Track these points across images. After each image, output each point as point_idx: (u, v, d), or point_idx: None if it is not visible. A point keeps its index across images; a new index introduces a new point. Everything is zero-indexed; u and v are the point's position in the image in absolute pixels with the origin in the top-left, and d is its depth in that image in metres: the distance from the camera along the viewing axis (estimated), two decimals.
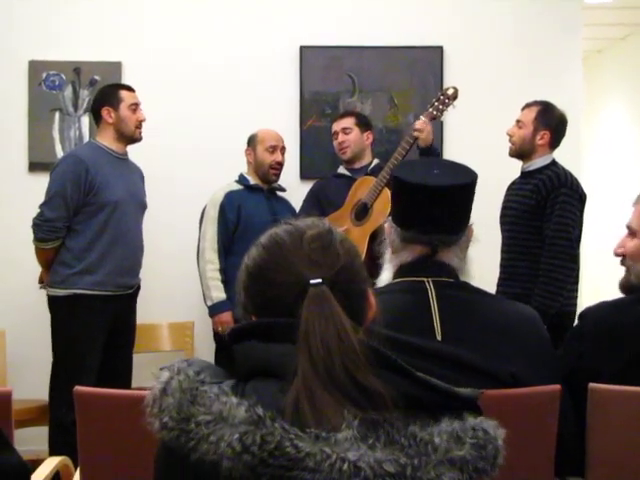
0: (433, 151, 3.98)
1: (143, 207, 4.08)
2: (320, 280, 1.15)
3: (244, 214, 4.16)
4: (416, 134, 3.90)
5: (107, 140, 3.94)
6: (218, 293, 4.10)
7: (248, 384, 1.12)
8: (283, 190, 4.40)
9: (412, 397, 1.10)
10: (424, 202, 1.97)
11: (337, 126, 4.29)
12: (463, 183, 2.00)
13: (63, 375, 3.78)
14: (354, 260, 1.22)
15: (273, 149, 4.26)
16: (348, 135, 4.25)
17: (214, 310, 4.12)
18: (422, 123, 3.92)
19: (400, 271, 2.03)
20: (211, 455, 1.04)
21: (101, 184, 3.82)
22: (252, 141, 4.32)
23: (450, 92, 3.98)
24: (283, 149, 4.32)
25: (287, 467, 1.02)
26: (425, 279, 1.97)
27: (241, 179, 4.30)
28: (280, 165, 4.29)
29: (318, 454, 1.02)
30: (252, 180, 4.28)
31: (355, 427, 1.04)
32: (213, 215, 4.17)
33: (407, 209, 2.02)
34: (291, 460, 1.01)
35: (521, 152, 3.82)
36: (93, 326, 3.80)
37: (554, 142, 3.81)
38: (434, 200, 1.96)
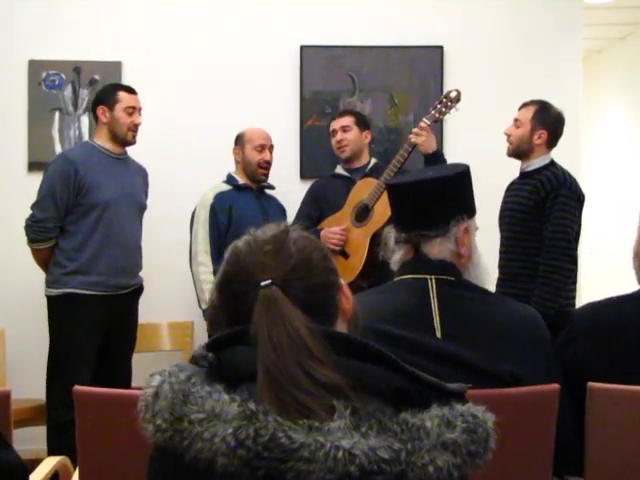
0: (438, 158, 3.89)
1: (141, 207, 4.04)
2: (269, 281, 1.15)
3: (235, 215, 4.10)
4: (413, 139, 3.85)
5: (102, 139, 3.92)
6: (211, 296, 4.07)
7: (240, 386, 1.12)
8: (272, 188, 4.35)
9: (399, 390, 1.11)
10: (401, 201, 2.06)
11: (336, 124, 4.26)
12: (428, 178, 2.05)
13: (58, 375, 3.77)
14: (311, 255, 1.22)
15: (261, 148, 4.22)
16: (347, 133, 4.22)
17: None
18: (419, 127, 3.86)
19: (399, 270, 2.06)
20: (206, 453, 1.04)
21: (91, 184, 3.79)
22: (240, 140, 4.27)
23: (453, 95, 3.91)
24: (271, 148, 4.27)
25: (282, 459, 1.01)
26: (427, 276, 1.98)
27: (229, 179, 4.26)
28: (268, 164, 4.24)
29: (312, 444, 1.01)
30: (241, 180, 4.24)
31: (347, 417, 1.04)
32: (204, 217, 4.12)
33: (393, 211, 2.11)
34: (285, 451, 1.01)
35: (519, 151, 3.81)
36: (87, 326, 3.79)
37: (552, 141, 3.80)
38: (406, 197, 2.04)
